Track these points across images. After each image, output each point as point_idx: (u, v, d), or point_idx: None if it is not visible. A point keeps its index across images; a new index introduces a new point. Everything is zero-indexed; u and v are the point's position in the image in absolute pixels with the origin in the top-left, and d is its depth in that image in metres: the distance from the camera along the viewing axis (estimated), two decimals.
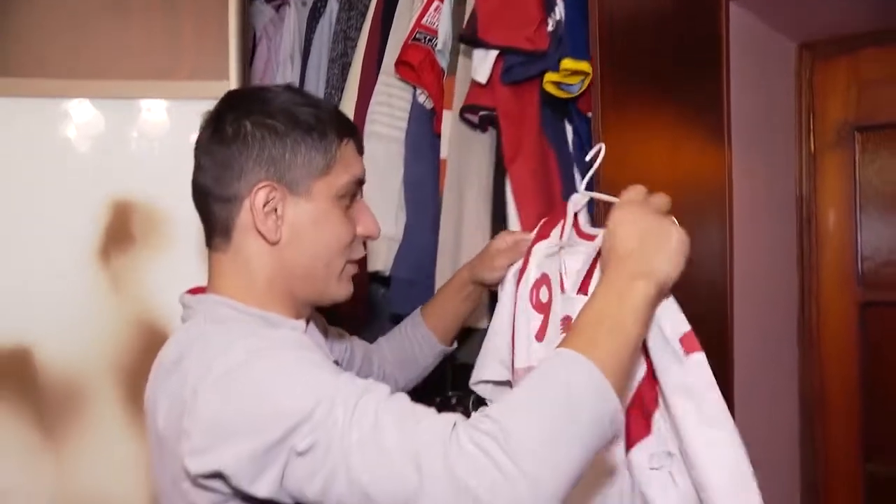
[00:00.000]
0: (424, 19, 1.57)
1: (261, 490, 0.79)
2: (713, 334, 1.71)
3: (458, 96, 1.53)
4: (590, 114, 1.43)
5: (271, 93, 0.98)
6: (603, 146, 1.08)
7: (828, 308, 2.13)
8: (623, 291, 0.85)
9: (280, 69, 1.94)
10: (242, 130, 0.93)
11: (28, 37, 1.33)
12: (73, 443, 1.33)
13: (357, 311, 1.61)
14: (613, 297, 0.85)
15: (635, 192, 0.95)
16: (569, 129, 1.52)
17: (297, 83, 1.89)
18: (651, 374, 0.98)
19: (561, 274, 1.12)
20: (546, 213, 1.41)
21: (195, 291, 1.01)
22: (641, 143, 1.48)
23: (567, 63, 1.36)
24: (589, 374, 0.78)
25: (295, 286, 0.97)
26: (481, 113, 1.49)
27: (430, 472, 0.73)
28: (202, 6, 1.35)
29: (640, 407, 1.01)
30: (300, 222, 0.95)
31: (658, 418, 1.00)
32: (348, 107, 1.67)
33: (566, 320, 1.09)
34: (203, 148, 0.97)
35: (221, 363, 0.81)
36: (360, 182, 1.01)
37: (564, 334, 0.93)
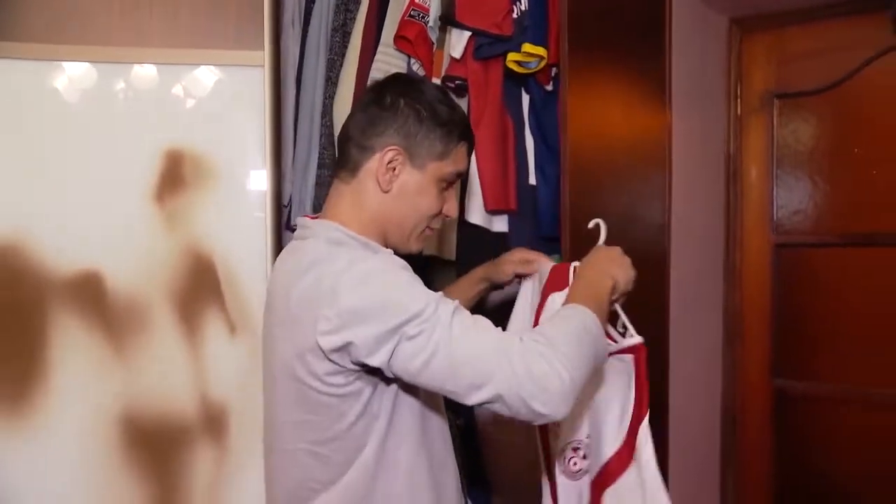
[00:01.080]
0: None
1: (374, 361, 1.10)
2: (654, 267, 2.07)
3: (443, 66, 1.84)
4: (549, 87, 1.77)
5: (426, 86, 1.29)
6: (602, 221, 1.43)
7: (748, 248, 2.48)
8: (594, 280, 1.27)
9: (282, 34, 2.18)
10: (397, 104, 1.23)
11: (92, 9, 1.59)
12: (136, 352, 1.63)
13: None
14: (591, 282, 1.27)
15: (603, 246, 1.39)
16: (525, 97, 1.84)
17: (298, 45, 2.16)
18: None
19: None
20: (500, 169, 1.74)
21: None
22: (599, 106, 1.82)
23: (527, 47, 1.69)
24: (593, 319, 1.17)
25: (388, 228, 1.27)
26: (456, 82, 1.80)
27: (509, 358, 1.07)
28: None
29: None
30: (408, 185, 1.25)
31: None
32: (350, 71, 1.95)
33: None
34: (362, 105, 1.28)
35: (356, 271, 1.11)
36: (460, 175, 1.30)
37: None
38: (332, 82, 1.99)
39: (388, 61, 1.90)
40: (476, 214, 1.75)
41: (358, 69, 1.94)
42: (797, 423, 2.31)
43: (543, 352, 1.08)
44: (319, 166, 1.97)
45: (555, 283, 1.41)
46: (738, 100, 2.50)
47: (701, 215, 2.39)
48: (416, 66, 1.89)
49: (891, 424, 2.26)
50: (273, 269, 1.32)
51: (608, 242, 1.40)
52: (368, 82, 1.90)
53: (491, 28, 1.69)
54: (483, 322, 1.13)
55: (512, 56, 1.70)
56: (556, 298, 1.39)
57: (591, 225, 1.43)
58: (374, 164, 1.24)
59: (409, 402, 1.20)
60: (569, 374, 1.08)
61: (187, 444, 1.65)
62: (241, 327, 1.66)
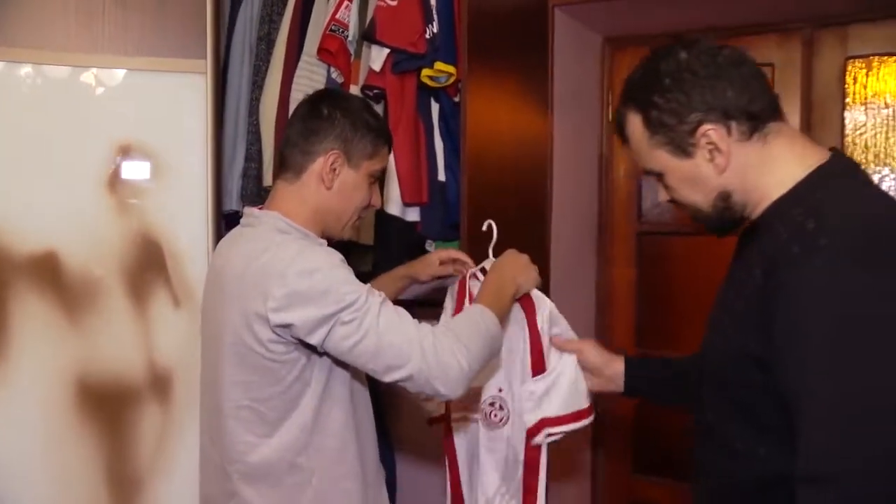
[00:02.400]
0: (338, 15, 2.16)
1: (311, 340, 1.37)
2: (537, 250, 2.40)
3: (361, 76, 2.15)
4: (456, 98, 2.11)
5: (352, 99, 1.60)
6: (493, 223, 1.72)
7: (616, 236, 2.87)
8: (500, 285, 1.58)
9: None
10: (334, 115, 1.51)
11: (52, 18, 1.82)
12: (89, 322, 1.86)
13: None
14: (497, 287, 1.58)
15: (513, 251, 1.68)
16: (436, 106, 2.18)
17: (223, 49, 2.41)
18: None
19: None
20: (414, 168, 2.07)
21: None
22: (493, 111, 2.18)
23: (439, 65, 2.03)
24: (492, 319, 1.48)
25: (327, 220, 1.54)
26: (375, 91, 2.13)
27: (422, 347, 1.36)
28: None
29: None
30: (347, 182, 1.53)
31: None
32: (275, 76, 2.23)
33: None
34: (301, 117, 1.55)
35: (304, 260, 1.37)
36: (383, 171, 1.60)
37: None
38: (258, 85, 2.27)
39: (311, 69, 2.19)
40: (393, 206, 2.09)
41: (283, 74, 2.22)
42: None
43: (450, 345, 1.38)
44: (247, 159, 2.25)
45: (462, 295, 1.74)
46: (610, 108, 2.89)
47: (577, 206, 2.78)
48: (335, 75, 2.19)
49: None
50: (217, 249, 1.60)
51: (499, 238, 1.73)
52: (293, 86, 2.19)
53: (408, 47, 2.01)
54: (405, 315, 1.42)
55: (426, 72, 2.03)
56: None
57: (484, 227, 1.74)
58: (318, 166, 1.51)
59: (341, 373, 1.49)
60: (468, 364, 1.39)
61: (136, 404, 1.90)
62: (184, 300, 1.92)
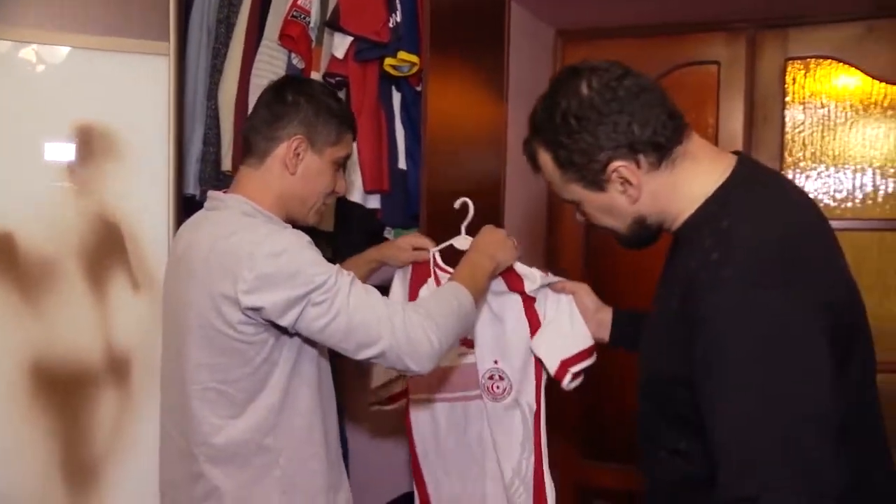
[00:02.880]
0: (300, 1, 2.17)
1: (283, 321, 1.39)
2: None
3: (323, 63, 2.17)
4: (417, 87, 2.15)
5: (316, 85, 1.60)
6: (468, 200, 1.79)
7: (564, 225, 2.98)
8: (477, 262, 1.62)
9: None
10: (299, 101, 1.53)
11: None
12: (47, 305, 1.83)
13: None
14: (474, 264, 1.62)
15: (490, 227, 1.73)
16: (397, 95, 2.21)
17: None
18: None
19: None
20: (376, 156, 2.10)
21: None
22: (453, 100, 2.23)
23: (402, 55, 2.07)
24: (466, 296, 1.51)
25: (291, 205, 1.56)
26: (337, 79, 2.15)
27: (393, 324, 1.39)
28: None
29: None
30: (310, 168, 1.55)
31: None
32: (235, 60, 2.23)
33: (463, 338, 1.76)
34: (265, 103, 1.56)
35: (273, 242, 1.39)
36: (348, 157, 1.62)
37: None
38: (217, 69, 2.26)
39: (272, 54, 2.19)
40: (355, 193, 2.12)
41: (242, 59, 2.22)
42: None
43: (420, 321, 1.42)
44: (205, 143, 2.24)
45: (420, 276, 1.79)
46: None
47: (528, 197, 2.86)
48: (295, 61, 2.20)
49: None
50: (179, 233, 1.60)
51: (453, 227, 1.79)
52: (253, 71, 2.19)
53: (371, 35, 2.04)
54: (375, 293, 1.45)
55: (388, 60, 2.06)
56: (423, 293, 1.77)
57: (457, 205, 1.80)
58: (281, 151, 1.54)
59: (309, 352, 1.52)
60: (437, 340, 1.43)
61: (93, 389, 1.88)
62: (143, 284, 1.91)
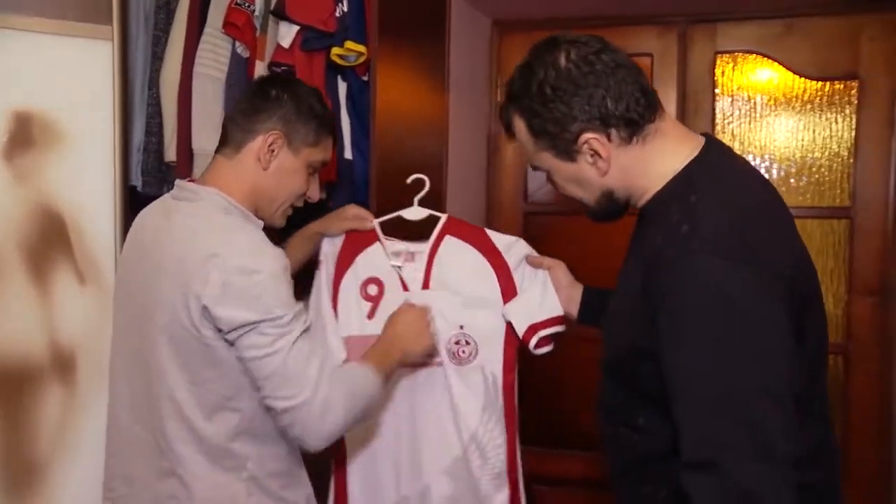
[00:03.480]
0: None
1: (228, 336, 1.40)
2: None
3: (268, 52, 2.16)
4: (364, 77, 2.16)
5: (303, 85, 1.60)
6: (424, 177, 1.86)
7: (505, 215, 3.03)
8: (389, 353, 1.63)
9: None
10: (281, 97, 1.53)
11: None
12: None
13: None
14: (386, 353, 1.62)
15: (407, 305, 1.74)
16: (343, 85, 2.22)
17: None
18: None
19: (402, 280, 1.85)
20: None
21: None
22: (400, 91, 2.26)
23: (350, 45, 2.08)
24: (376, 386, 1.53)
25: (260, 202, 1.56)
26: (283, 68, 2.14)
27: (315, 394, 1.39)
28: None
29: None
30: (284, 165, 1.55)
31: None
32: (177, 47, 2.19)
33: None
34: (249, 95, 1.58)
35: (251, 257, 1.39)
36: (325, 163, 1.62)
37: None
38: (158, 57, 2.21)
39: (216, 42, 2.16)
40: None
41: (185, 47, 2.18)
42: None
43: (340, 405, 1.43)
44: (147, 133, 2.20)
45: (355, 244, 1.84)
46: (499, 89, 3.04)
47: (469, 187, 2.91)
48: (240, 50, 2.18)
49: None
50: (142, 223, 1.57)
51: (397, 221, 1.86)
52: (196, 60, 2.16)
53: (318, 24, 2.04)
54: (318, 354, 1.46)
55: (335, 50, 2.07)
56: (360, 260, 1.84)
57: (409, 180, 1.86)
58: (256, 145, 1.54)
59: None
60: (342, 428, 1.46)
61: (37, 386, 1.84)
62: (89, 278, 1.87)
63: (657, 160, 1.27)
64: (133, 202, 1.93)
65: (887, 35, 2.60)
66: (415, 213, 1.88)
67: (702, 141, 1.30)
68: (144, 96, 2.22)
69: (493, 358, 1.83)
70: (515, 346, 1.83)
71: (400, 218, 1.89)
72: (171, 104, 2.17)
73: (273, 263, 1.43)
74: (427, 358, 1.78)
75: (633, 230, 1.41)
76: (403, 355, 1.66)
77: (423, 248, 1.87)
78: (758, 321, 1.10)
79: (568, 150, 1.27)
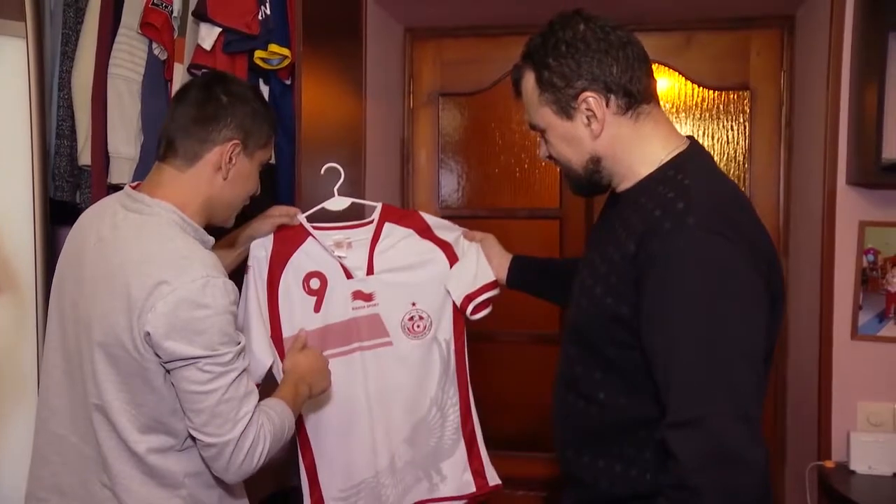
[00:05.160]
0: None
1: (167, 366, 1.38)
2: None
3: (187, 54, 2.14)
4: (287, 81, 2.17)
5: (244, 84, 1.60)
6: (338, 165, 1.93)
7: None
8: (297, 390, 1.67)
9: None
10: (234, 102, 1.49)
11: None
12: None
13: None
14: (295, 390, 1.66)
15: (309, 352, 1.81)
16: (265, 89, 2.22)
17: None
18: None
19: (344, 269, 1.90)
20: None
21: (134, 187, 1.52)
22: (322, 96, 2.29)
23: (273, 48, 2.09)
24: (290, 419, 1.56)
25: (216, 210, 1.54)
26: (203, 70, 2.12)
27: (243, 436, 1.41)
28: None
29: None
30: (241, 172, 1.54)
31: None
32: (88, 47, 2.14)
33: (357, 293, 1.92)
34: (195, 102, 1.50)
35: (201, 291, 1.36)
36: (269, 159, 1.62)
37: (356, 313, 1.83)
38: (68, 56, 2.16)
39: (131, 44, 2.13)
40: None
41: (97, 47, 2.14)
42: (481, 359, 2.94)
43: (261, 451, 1.45)
44: (58, 136, 2.14)
45: (285, 242, 1.88)
46: (412, 95, 3.11)
47: (385, 191, 2.96)
48: (157, 51, 2.15)
49: (541, 355, 2.99)
50: (83, 228, 1.51)
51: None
52: (110, 60, 2.11)
53: (241, 27, 2.04)
54: (252, 399, 1.46)
55: (258, 53, 2.07)
56: (297, 258, 1.88)
57: (322, 171, 1.92)
58: (214, 156, 1.50)
59: None
60: (261, 463, 1.47)
61: None
62: (5, 286, 1.81)
63: (646, 143, 1.38)
64: (53, 208, 1.87)
65: (771, 50, 2.83)
66: (338, 203, 1.95)
67: (687, 139, 1.43)
68: (55, 98, 2.16)
69: (445, 326, 1.98)
70: (462, 312, 1.98)
71: (324, 210, 1.95)
72: (83, 106, 2.12)
73: (223, 299, 1.41)
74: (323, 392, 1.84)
75: (603, 212, 1.53)
76: (308, 387, 1.72)
77: (361, 235, 1.95)
78: (744, 292, 1.21)
79: (567, 107, 1.37)
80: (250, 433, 1.43)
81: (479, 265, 1.95)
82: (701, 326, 1.19)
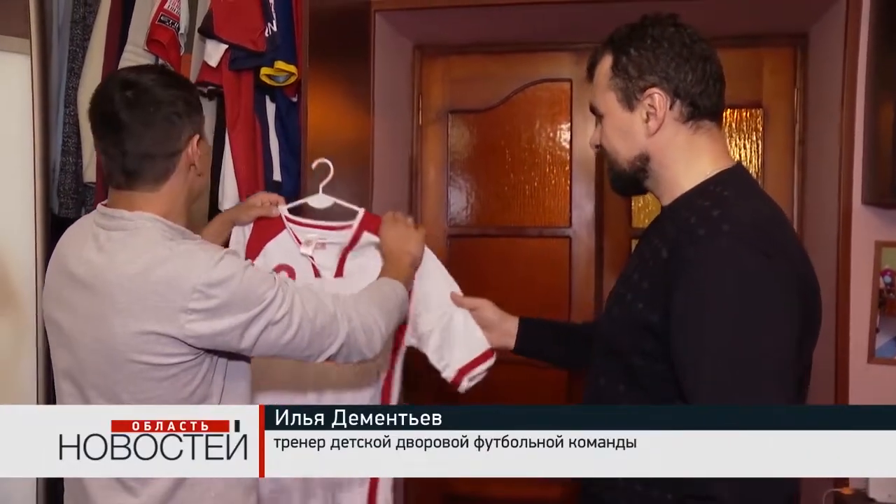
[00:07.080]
0: (167, 5, 2.13)
1: (243, 344, 1.38)
2: None
3: (193, 71, 2.15)
4: (293, 98, 2.17)
5: (180, 76, 1.60)
6: (328, 161, 1.89)
7: (428, 237, 2.99)
8: (398, 260, 1.75)
9: None
10: (179, 102, 1.43)
11: None
12: None
13: None
14: (395, 263, 1.74)
15: (392, 214, 1.85)
16: (271, 106, 2.23)
17: None
18: None
19: (314, 267, 1.88)
20: (252, 168, 2.12)
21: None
22: (329, 112, 2.29)
23: (280, 64, 2.09)
24: (400, 287, 1.65)
25: (194, 197, 1.53)
26: (209, 87, 2.13)
27: (349, 320, 1.48)
28: None
29: None
30: (204, 157, 1.52)
31: None
32: (95, 65, 2.15)
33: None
34: (144, 121, 1.39)
35: (217, 270, 1.35)
36: None
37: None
38: (74, 73, 2.16)
39: (138, 60, 2.14)
40: (229, 203, 2.09)
41: (104, 63, 2.15)
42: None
43: (367, 310, 1.53)
44: (63, 153, 2.14)
45: (263, 231, 1.87)
46: (420, 112, 3.10)
47: (392, 207, 2.91)
48: None
49: (524, 377, 2.92)
50: (65, 251, 1.46)
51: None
52: None
53: (247, 44, 2.05)
54: (320, 294, 1.50)
55: (265, 70, 2.07)
56: (271, 247, 1.88)
57: (314, 165, 1.90)
58: (184, 162, 1.45)
59: (242, 367, 1.50)
60: (385, 327, 1.56)
61: None
62: (5, 304, 1.80)
63: (696, 156, 1.38)
64: (55, 224, 1.86)
65: (785, 68, 2.81)
66: (320, 200, 1.93)
67: (735, 162, 1.42)
68: (61, 114, 2.16)
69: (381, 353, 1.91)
70: (404, 346, 1.90)
71: (306, 205, 1.93)
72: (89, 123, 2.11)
73: (236, 262, 1.41)
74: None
75: (648, 228, 1.53)
76: (409, 256, 1.78)
77: (337, 238, 1.91)
78: (772, 306, 1.20)
79: (631, 98, 1.37)
80: (354, 316, 1.50)
81: (467, 332, 1.84)
82: (727, 338, 1.20)
